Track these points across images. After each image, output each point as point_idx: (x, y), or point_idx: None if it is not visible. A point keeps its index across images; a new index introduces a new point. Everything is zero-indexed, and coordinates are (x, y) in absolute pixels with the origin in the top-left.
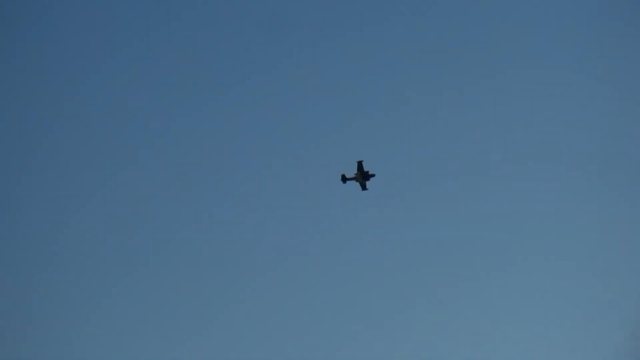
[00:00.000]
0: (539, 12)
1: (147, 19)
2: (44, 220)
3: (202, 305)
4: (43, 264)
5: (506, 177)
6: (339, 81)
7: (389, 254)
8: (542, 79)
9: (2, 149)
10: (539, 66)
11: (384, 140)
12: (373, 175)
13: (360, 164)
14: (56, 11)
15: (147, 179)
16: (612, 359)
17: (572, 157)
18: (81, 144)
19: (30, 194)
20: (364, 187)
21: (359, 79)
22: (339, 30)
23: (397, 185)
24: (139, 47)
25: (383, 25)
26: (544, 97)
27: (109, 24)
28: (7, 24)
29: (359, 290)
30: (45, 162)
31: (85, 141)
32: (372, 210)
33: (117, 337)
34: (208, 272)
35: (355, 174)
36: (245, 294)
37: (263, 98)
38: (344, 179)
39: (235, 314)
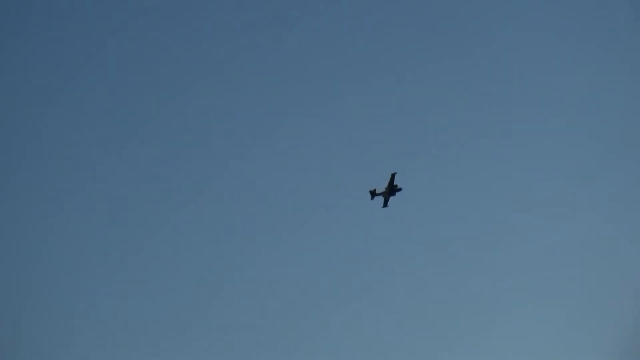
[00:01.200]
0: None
1: (146, 19)
2: (39, 219)
3: (207, 310)
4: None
5: (507, 177)
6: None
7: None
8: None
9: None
10: (542, 67)
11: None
12: (400, 190)
13: (393, 176)
14: (55, 10)
15: (149, 179)
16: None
17: (572, 157)
18: (80, 144)
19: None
20: (385, 204)
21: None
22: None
23: (418, 202)
24: (138, 47)
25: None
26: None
27: (108, 23)
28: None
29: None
30: (41, 162)
31: (84, 141)
32: (391, 225)
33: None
34: (213, 276)
35: (385, 188)
36: (248, 299)
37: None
38: (373, 194)
39: (238, 318)
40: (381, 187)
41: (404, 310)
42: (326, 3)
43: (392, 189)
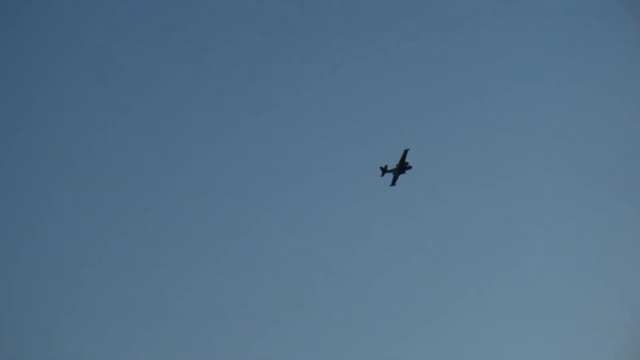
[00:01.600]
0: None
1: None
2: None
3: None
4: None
5: (510, 179)
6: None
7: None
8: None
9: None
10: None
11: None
12: (410, 168)
13: (405, 152)
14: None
15: (153, 180)
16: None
17: (573, 159)
18: (81, 144)
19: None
20: (393, 182)
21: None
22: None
23: (425, 183)
24: (138, 47)
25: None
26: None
27: (109, 24)
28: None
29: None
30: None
31: (85, 141)
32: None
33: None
34: (218, 272)
35: (396, 165)
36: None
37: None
38: (384, 171)
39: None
40: (393, 164)
41: (408, 299)
42: (326, 3)
43: (402, 167)
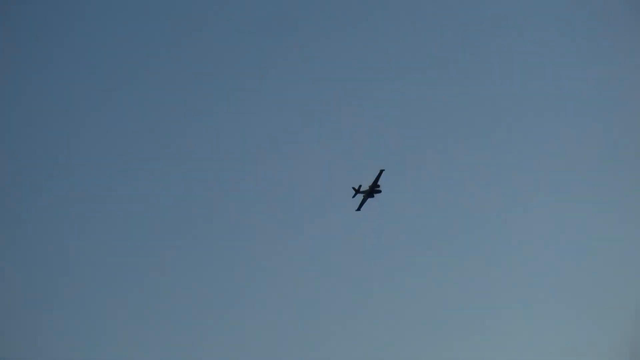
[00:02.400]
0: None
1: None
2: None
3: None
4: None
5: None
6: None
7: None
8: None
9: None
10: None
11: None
12: (379, 192)
13: (380, 173)
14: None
15: (152, 181)
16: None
17: (573, 157)
18: (83, 145)
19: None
20: (359, 207)
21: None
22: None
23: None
24: (140, 48)
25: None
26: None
27: (110, 24)
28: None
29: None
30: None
31: (86, 142)
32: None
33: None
34: (207, 274)
35: (369, 186)
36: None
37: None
38: (357, 191)
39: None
40: (367, 185)
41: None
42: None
43: (372, 189)
